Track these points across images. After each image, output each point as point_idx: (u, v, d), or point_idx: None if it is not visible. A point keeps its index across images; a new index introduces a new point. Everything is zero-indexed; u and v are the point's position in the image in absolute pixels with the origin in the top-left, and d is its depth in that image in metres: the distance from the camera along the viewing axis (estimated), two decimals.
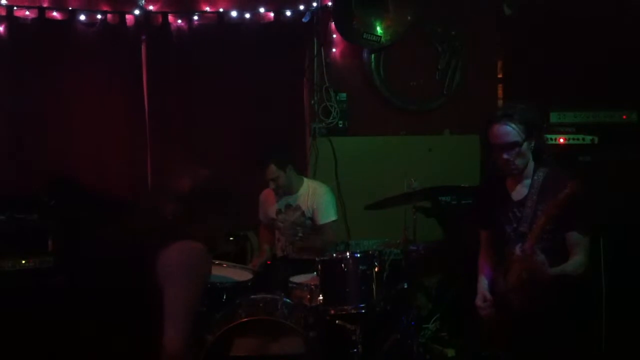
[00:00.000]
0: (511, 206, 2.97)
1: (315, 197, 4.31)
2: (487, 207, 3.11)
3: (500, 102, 5.36)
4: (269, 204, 4.43)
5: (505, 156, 2.88)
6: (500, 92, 5.38)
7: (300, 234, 4.27)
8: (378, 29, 5.04)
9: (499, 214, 3.01)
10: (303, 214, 4.31)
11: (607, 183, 3.86)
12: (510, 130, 2.85)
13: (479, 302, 3.03)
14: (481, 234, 3.23)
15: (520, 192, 2.97)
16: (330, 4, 5.11)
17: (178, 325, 2.63)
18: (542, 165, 2.95)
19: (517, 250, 2.73)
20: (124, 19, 4.96)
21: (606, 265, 3.87)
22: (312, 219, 4.29)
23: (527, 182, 2.95)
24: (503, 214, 2.99)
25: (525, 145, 2.88)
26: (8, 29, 4.83)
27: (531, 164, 2.95)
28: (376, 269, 3.52)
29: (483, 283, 3.10)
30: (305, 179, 4.45)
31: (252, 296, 3.53)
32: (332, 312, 3.46)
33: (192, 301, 2.71)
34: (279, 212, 4.36)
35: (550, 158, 3.01)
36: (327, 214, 4.29)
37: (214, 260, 4.01)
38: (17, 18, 4.85)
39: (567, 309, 2.88)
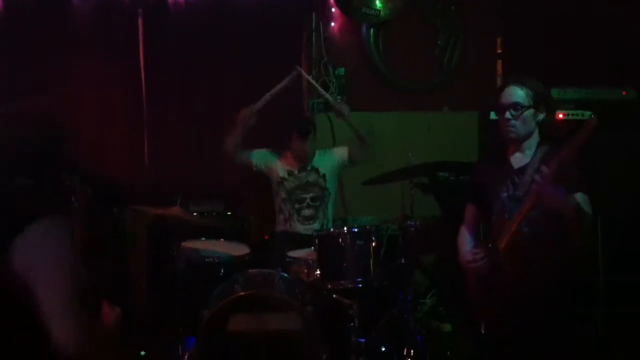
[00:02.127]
0: (510, 173, 2.96)
1: (332, 153, 4.43)
2: (484, 180, 3.10)
3: (499, 79, 5.33)
4: (278, 163, 4.37)
5: (507, 115, 2.89)
6: (499, 68, 5.34)
7: (309, 200, 4.30)
8: (377, 3, 4.98)
9: (496, 182, 3.00)
10: (318, 172, 4.34)
11: (605, 159, 3.86)
12: (518, 91, 2.88)
13: (468, 256, 2.99)
14: (468, 209, 3.23)
15: (521, 160, 2.96)
16: None
17: (64, 323, 2.15)
18: (546, 141, 2.95)
19: (537, 177, 2.67)
20: None
21: (602, 242, 3.88)
22: (331, 179, 4.36)
23: (529, 152, 2.95)
24: (500, 181, 2.98)
25: (530, 112, 2.88)
26: (3, 5, 4.79)
27: (536, 138, 2.95)
28: (374, 245, 3.52)
29: (466, 244, 3.12)
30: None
31: (249, 271, 3.54)
32: (330, 287, 3.47)
33: (70, 289, 2.21)
34: (291, 172, 4.33)
35: (556, 136, 3.00)
36: (344, 151, 4.41)
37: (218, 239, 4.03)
38: None
39: (559, 278, 2.87)
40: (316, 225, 4.24)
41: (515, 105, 2.87)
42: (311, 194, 4.31)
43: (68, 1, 4.87)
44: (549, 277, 2.83)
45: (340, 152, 4.42)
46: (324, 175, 4.34)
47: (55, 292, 2.16)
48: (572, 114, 4.24)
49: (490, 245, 2.92)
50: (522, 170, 2.92)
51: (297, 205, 4.31)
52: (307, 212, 4.30)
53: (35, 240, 2.18)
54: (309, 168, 4.34)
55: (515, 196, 2.88)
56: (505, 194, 2.95)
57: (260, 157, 4.38)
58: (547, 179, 2.62)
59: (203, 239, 3.99)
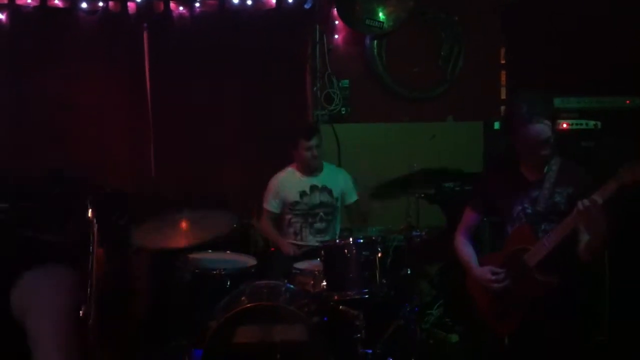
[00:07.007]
0: (526, 186, 3.01)
1: (344, 179, 4.46)
2: (496, 190, 3.12)
3: (503, 90, 5.34)
4: (289, 188, 4.37)
5: (544, 152, 2.93)
6: (503, 78, 5.36)
7: (321, 214, 4.32)
8: (380, 14, 5.02)
9: (510, 194, 3.04)
10: (331, 193, 4.34)
11: (609, 167, 3.85)
12: (546, 128, 2.90)
13: (488, 275, 3.01)
14: (467, 214, 3.25)
15: (536, 174, 3.01)
16: None
17: None
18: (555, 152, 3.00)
19: (581, 205, 2.69)
20: (126, 6, 4.93)
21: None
22: (339, 199, 4.40)
23: (545, 167, 2.99)
24: (515, 193, 3.02)
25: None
26: (10, 17, 4.83)
27: None
28: (379, 255, 3.54)
29: (474, 261, 3.13)
30: (323, 162, 4.49)
31: (256, 282, 3.54)
32: (336, 298, 3.48)
33: (64, 337, 2.27)
34: (303, 194, 4.34)
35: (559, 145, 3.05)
36: (353, 195, 4.48)
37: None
38: (19, 6, 4.84)
39: (575, 290, 2.92)
40: (327, 238, 4.27)
41: (549, 140, 2.91)
42: (324, 209, 4.34)
43: (73, 15, 4.90)
44: (567, 285, 2.86)
45: (349, 191, 4.47)
46: (337, 198, 4.38)
47: (47, 337, 2.22)
48: (576, 123, 4.25)
49: (510, 257, 2.95)
50: (539, 183, 2.97)
51: (310, 220, 4.34)
52: (319, 225, 4.33)
53: (30, 288, 2.26)
54: (320, 186, 4.34)
55: (537, 211, 2.94)
56: (520, 207, 2.99)
57: (276, 206, 4.40)
58: (597, 206, 2.66)
59: (209, 250, 3.99)
